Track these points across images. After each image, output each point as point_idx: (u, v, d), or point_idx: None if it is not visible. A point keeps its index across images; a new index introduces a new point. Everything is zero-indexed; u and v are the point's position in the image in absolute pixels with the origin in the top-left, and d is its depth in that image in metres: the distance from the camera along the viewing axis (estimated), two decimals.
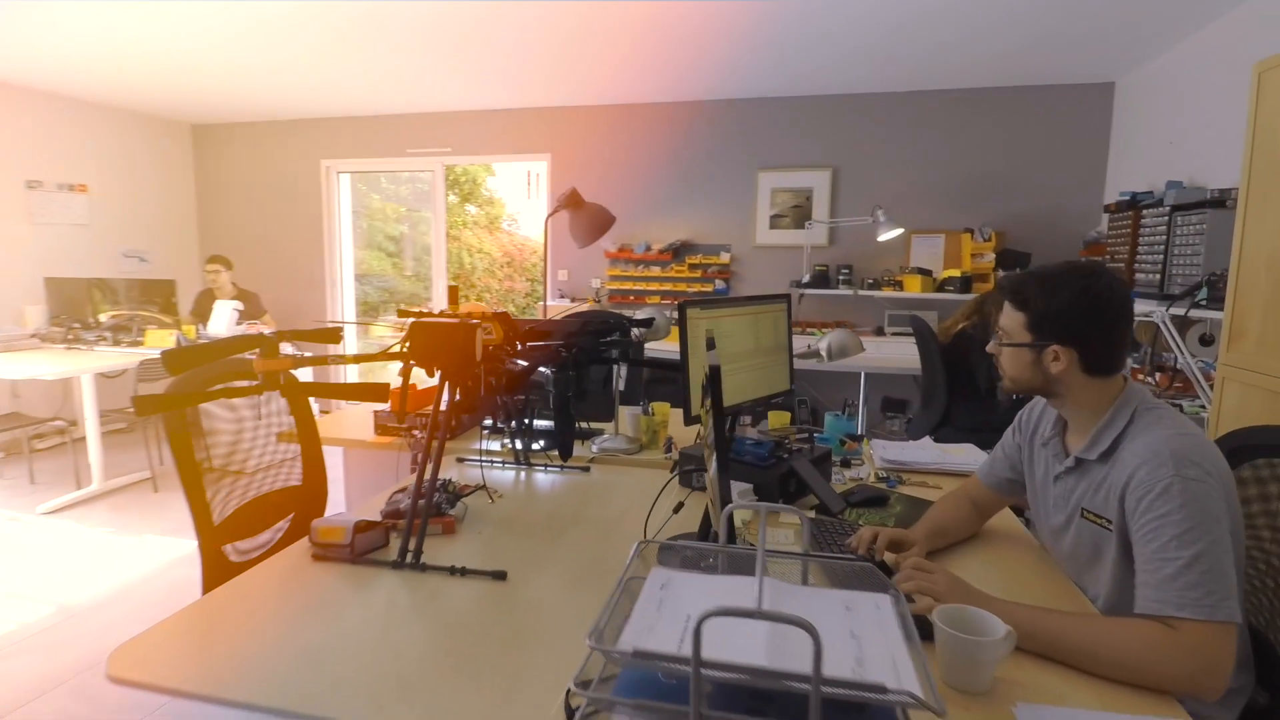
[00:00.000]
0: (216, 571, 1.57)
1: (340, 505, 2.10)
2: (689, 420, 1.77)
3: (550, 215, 3.93)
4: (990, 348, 1.29)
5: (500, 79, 4.46)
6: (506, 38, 3.73)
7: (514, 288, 14.12)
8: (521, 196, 17.06)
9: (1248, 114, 2.16)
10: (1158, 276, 3.16)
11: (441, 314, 1.64)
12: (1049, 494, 1.33)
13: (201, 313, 4.87)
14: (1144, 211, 3.34)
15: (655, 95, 4.74)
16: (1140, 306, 3.04)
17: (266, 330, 4.68)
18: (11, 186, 4.82)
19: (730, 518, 0.93)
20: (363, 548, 1.45)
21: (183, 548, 3.31)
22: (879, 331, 4.46)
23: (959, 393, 3.37)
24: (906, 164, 4.50)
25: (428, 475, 1.46)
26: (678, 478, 1.85)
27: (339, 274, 5.86)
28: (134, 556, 3.23)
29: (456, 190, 10.98)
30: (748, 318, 1.90)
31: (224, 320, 4.48)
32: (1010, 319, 1.23)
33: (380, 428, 2.41)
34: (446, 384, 1.53)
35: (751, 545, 1.16)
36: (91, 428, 3.96)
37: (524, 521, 1.64)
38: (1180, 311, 2.54)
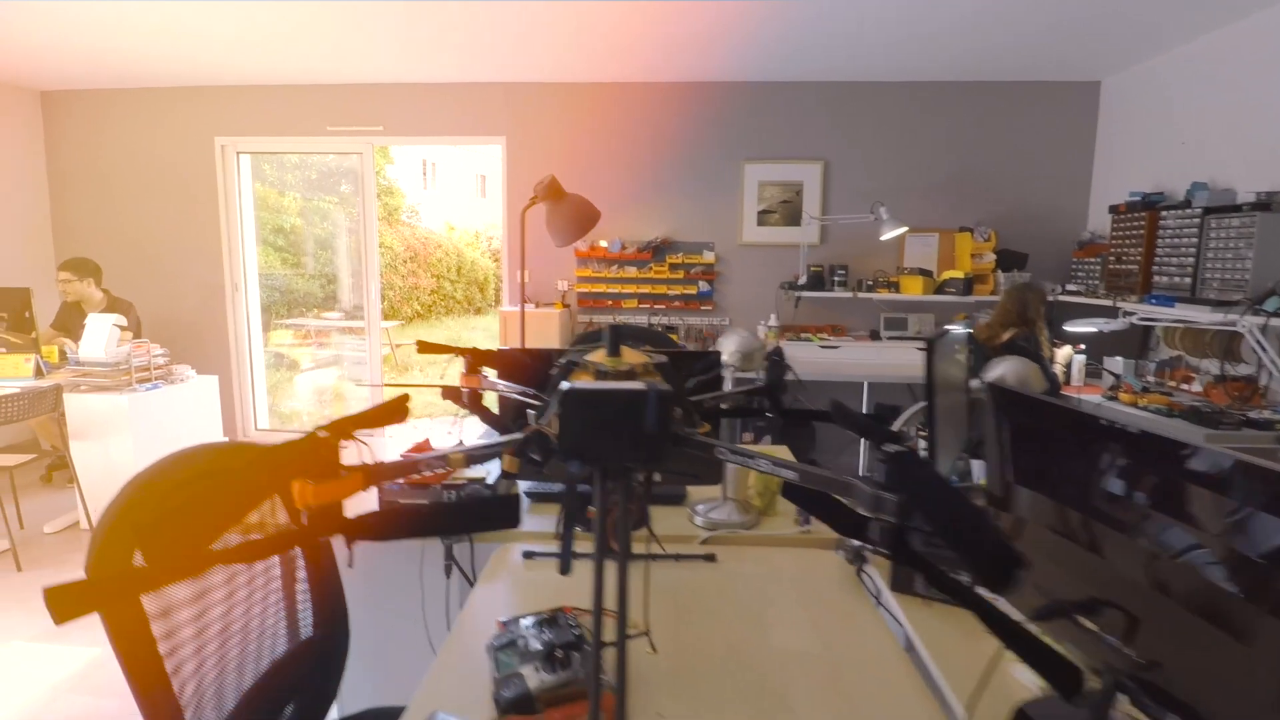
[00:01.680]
0: None
1: None
2: None
3: (527, 208, 3.36)
4: None
5: (447, 47, 3.79)
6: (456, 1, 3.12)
7: (419, 284, 13.15)
8: (417, 187, 15.94)
9: None
10: (1187, 280, 3.08)
11: (576, 369, 1.12)
12: None
13: (68, 327, 3.85)
14: (1163, 213, 3.27)
15: (628, 74, 4.24)
16: (1186, 313, 2.94)
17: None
18: None
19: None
20: None
21: (75, 660, 2.39)
22: (874, 335, 4.23)
23: None
24: (897, 158, 4.29)
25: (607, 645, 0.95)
26: (857, 568, 1.42)
27: (242, 275, 4.90)
28: None
29: (349, 179, 10.03)
30: None
31: (101, 339, 3.50)
32: None
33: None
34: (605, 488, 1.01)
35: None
36: None
37: (701, 677, 1.07)
38: (1259, 320, 2.41)
